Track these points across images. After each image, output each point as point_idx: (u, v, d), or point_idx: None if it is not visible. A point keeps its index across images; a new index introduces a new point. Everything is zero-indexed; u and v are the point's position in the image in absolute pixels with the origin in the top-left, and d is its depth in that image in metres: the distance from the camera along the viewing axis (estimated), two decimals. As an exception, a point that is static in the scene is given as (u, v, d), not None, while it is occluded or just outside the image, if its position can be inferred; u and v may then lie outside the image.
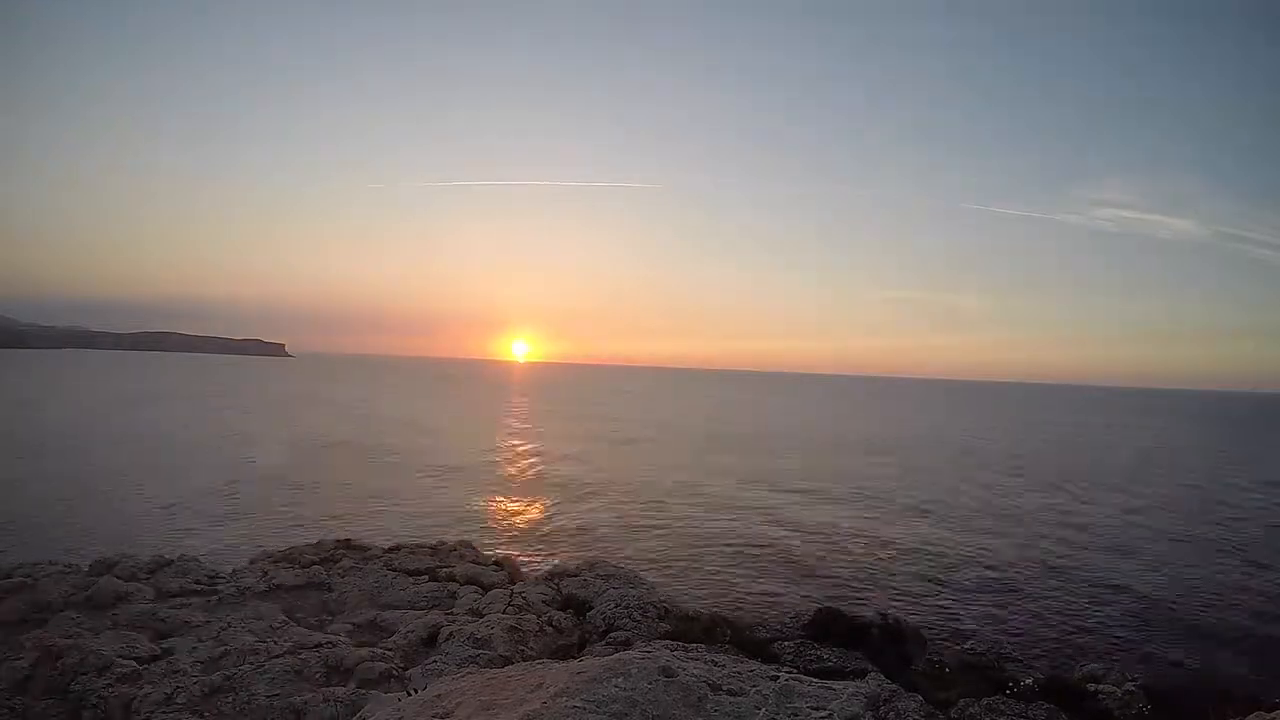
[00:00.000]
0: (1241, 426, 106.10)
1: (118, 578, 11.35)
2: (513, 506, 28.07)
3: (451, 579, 12.89)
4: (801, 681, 5.32)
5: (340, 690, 7.52)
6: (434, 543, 15.42)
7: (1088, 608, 17.30)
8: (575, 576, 13.28)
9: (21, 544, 19.01)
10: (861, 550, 22.43)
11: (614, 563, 14.88)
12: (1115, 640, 15.23)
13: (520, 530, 24.14)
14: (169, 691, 7.34)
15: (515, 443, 50.01)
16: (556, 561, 17.58)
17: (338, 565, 13.36)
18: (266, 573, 12.22)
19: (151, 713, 7.06)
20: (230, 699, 7.35)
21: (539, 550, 21.35)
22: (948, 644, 13.36)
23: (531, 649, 9.66)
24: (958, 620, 16.13)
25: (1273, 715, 5.36)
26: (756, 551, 21.87)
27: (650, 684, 4.60)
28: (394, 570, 13.19)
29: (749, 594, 17.67)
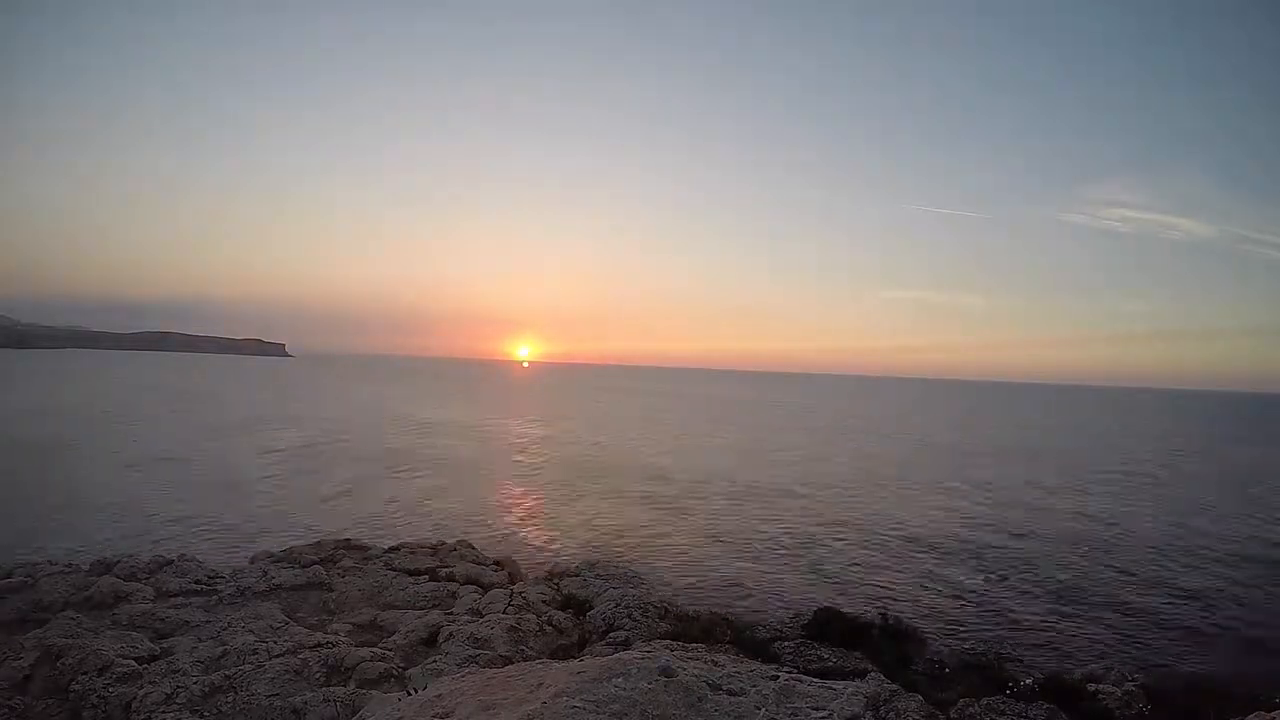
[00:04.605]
0: (1245, 427, 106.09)
1: (118, 578, 11.37)
2: (513, 506, 28.07)
3: (451, 579, 12.91)
4: (801, 681, 5.32)
5: (340, 690, 7.52)
6: (434, 543, 15.44)
7: (1088, 608, 17.30)
8: (575, 576, 13.30)
9: (21, 544, 19.01)
10: (864, 550, 22.43)
11: (614, 563, 14.90)
12: (1115, 640, 15.22)
13: (520, 530, 24.14)
14: (169, 691, 7.35)
15: (517, 442, 50.03)
16: (556, 561, 17.57)
17: (338, 565, 13.39)
18: (266, 573, 12.23)
19: (151, 713, 7.07)
20: (230, 699, 7.35)
21: (539, 550, 21.34)
22: (948, 644, 13.36)
23: (531, 649, 9.67)
24: (958, 620, 16.12)
25: (1272, 715, 5.36)
26: (757, 551, 21.87)
27: (650, 684, 4.60)
28: (394, 570, 13.22)
29: (749, 594, 17.67)
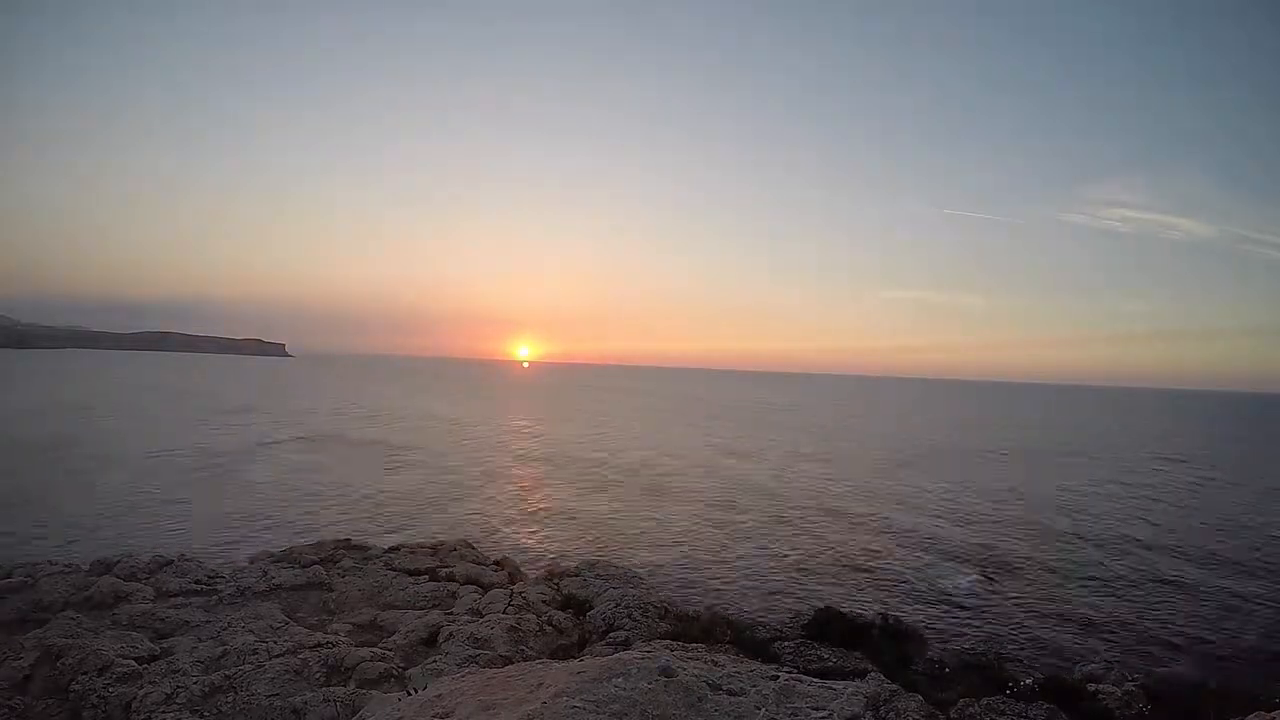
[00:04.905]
0: (1244, 428, 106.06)
1: (118, 578, 11.37)
2: (513, 506, 28.08)
3: (451, 579, 12.91)
4: (801, 681, 5.32)
5: (340, 690, 7.52)
6: (434, 543, 15.44)
7: (1088, 608, 17.30)
8: (575, 576, 13.31)
9: (21, 544, 19.00)
10: (863, 550, 22.43)
11: (614, 563, 14.90)
12: (1115, 640, 15.23)
13: (520, 530, 24.14)
14: (169, 691, 7.35)
15: (516, 442, 50.02)
16: (556, 561, 17.57)
17: (338, 565, 13.38)
18: (266, 573, 12.23)
19: (151, 713, 7.07)
20: (230, 699, 7.35)
21: (539, 550, 21.34)
22: (948, 644, 13.36)
23: (531, 649, 9.67)
24: (958, 620, 16.13)
25: (1273, 715, 5.35)
26: (757, 551, 21.88)
27: (650, 684, 4.60)
28: (394, 570, 13.21)
29: (749, 594, 17.67)
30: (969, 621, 16.05)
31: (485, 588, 12.55)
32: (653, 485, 33.33)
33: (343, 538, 15.17)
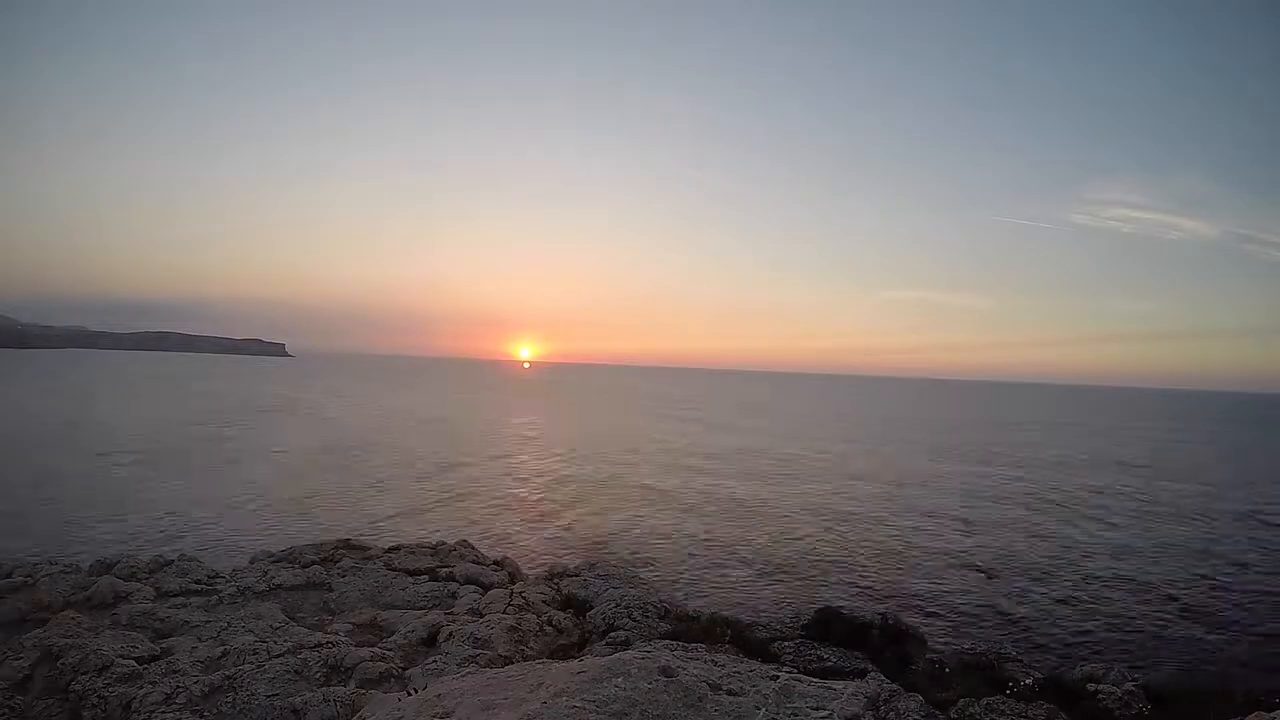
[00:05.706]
0: (1246, 428, 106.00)
1: (118, 578, 11.35)
2: (513, 506, 28.08)
3: (451, 579, 12.90)
4: (801, 681, 5.32)
5: (340, 690, 7.51)
6: (434, 543, 15.43)
7: (1088, 607, 17.30)
8: (575, 576, 13.31)
9: (21, 544, 19.01)
10: (863, 550, 22.43)
11: (614, 563, 14.91)
12: (1115, 640, 15.23)
13: (520, 530, 24.14)
14: (169, 691, 7.34)
15: (517, 442, 50.00)
16: (556, 561, 17.57)
17: (338, 565, 13.37)
18: (266, 573, 12.22)
19: (151, 712, 7.06)
20: (230, 699, 7.34)
21: (539, 550, 21.35)
22: (948, 644, 13.35)
23: (531, 649, 9.67)
24: (958, 620, 16.13)
25: (1273, 715, 5.34)
26: (757, 551, 21.88)
27: (650, 684, 4.60)
28: (394, 570, 13.21)
29: (749, 594, 17.68)
30: (969, 621, 16.05)
31: (485, 588, 12.54)
32: (653, 486, 33.33)
33: (343, 538, 15.16)
